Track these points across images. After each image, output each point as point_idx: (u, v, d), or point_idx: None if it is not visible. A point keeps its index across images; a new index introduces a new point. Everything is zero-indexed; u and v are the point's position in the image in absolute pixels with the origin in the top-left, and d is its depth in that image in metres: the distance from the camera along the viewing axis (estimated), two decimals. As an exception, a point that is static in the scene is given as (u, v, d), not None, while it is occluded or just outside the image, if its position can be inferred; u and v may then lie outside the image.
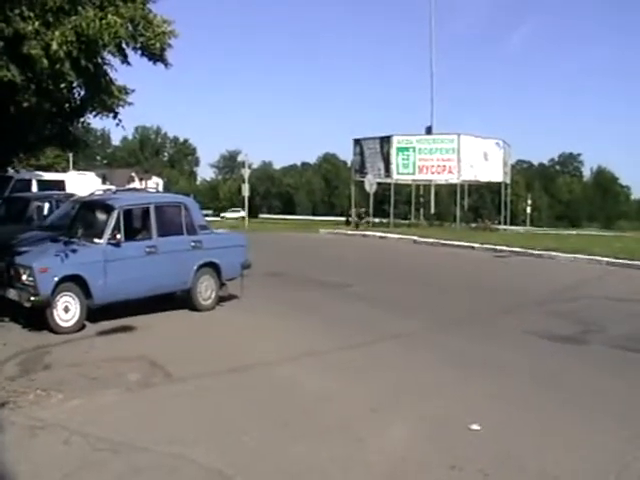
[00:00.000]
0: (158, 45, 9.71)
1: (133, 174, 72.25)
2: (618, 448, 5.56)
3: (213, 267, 11.48)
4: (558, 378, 7.70)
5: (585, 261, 19.53)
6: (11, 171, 18.75)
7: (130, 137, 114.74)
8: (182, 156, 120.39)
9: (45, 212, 14.71)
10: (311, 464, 5.22)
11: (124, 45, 9.51)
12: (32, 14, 7.99)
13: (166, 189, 68.63)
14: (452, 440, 5.75)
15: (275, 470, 5.11)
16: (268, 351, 8.62)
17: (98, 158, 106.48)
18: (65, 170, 36.00)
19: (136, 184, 61.52)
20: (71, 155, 44.70)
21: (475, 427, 5.99)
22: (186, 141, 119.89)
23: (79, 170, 34.57)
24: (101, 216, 10.63)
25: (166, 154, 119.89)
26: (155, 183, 71.25)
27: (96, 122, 10.74)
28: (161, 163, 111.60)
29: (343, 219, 49.41)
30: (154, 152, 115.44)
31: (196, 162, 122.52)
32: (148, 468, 5.09)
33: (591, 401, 6.84)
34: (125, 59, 9.94)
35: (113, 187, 29.21)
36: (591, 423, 6.20)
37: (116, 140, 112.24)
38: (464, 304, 12.67)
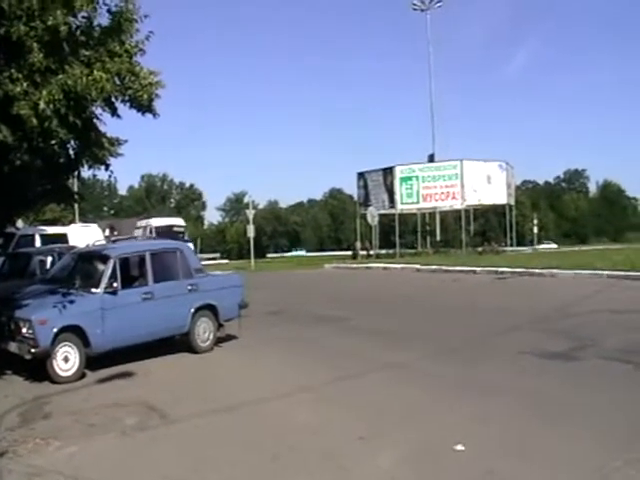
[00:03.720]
0: (145, 96, 9.92)
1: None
2: (596, 462, 5.66)
3: (210, 309, 11.69)
4: (543, 396, 7.81)
5: (586, 276, 19.69)
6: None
7: (136, 185, 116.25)
8: (189, 201, 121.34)
9: (48, 265, 14.94)
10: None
11: (112, 99, 9.80)
12: (20, 75, 8.27)
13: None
14: (437, 462, 5.91)
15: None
16: (262, 389, 8.77)
17: (105, 209, 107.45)
18: (72, 223, 36.48)
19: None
20: (77, 208, 45.15)
21: (459, 448, 6.14)
22: (192, 186, 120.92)
23: (86, 222, 35.07)
24: (98, 266, 10.89)
25: (172, 200, 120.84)
26: (162, 230, 71.43)
27: (102, 173, 10.89)
28: (168, 210, 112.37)
29: (350, 253, 49.63)
30: (160, 199, 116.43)
31: (203, 206, 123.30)
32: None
33: (573, 417, 6.96)
34: (114, 112, 10.19)
35: (152, 222, 30.99)
36: (571, 439, 6.30)
37: (122, 190, 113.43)
38: (461, 329, 12.79)
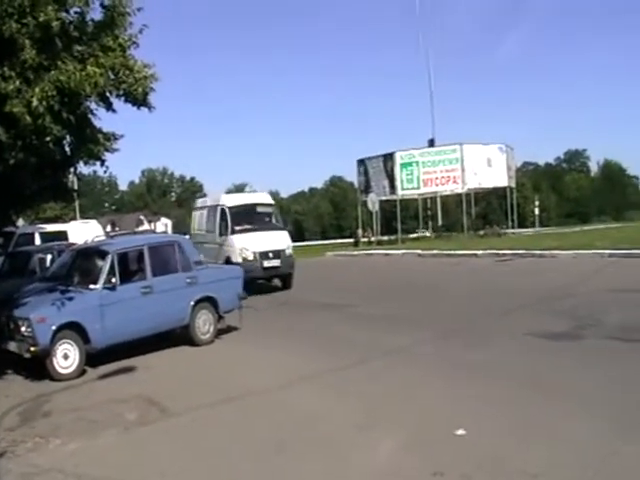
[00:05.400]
0: (140, 90, 9.81)
1: (142, 217, 72.81)
2: (598, 443, 5.63)
3: (210, 301, 11.66)
4: (545, 377, 7.79)
5: (587, 256, 19.58)
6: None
7: (137, 180, 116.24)
8: (190, 194, 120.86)
9: (48, 263, 14.90)
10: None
11: (107, 94, 9.70)
12: (13, 73, 8.18)
13: (176, 229, 68.90)
14: (437, 447, 5.87)
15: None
16: (262, 379, 8.75)
17: (106, 205, 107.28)
18: (73, 220, 36.35)
19: (145, 227, 61.78)
20: (77, 205, 45.16)
21: (460, 432, 6.09)
22: (193, 179, 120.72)
23: (86, 219, 34.70)
24: (96, 262, 10.88)
25: (173, 194, 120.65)
26: (164, 224, 71.51)
27: (100, 169, 10.79)
28: (169, 204, 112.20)
29: (352, 240, 49.55)
30: (161, 193, 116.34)
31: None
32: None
33: (574, 397, 6.92)
34: (109, 107, 10.10)
35: (225, 200, 20.12)
36: (573, 419, 6.27)
37: (123, 185, 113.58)
38: (462, 313, 12.73)
